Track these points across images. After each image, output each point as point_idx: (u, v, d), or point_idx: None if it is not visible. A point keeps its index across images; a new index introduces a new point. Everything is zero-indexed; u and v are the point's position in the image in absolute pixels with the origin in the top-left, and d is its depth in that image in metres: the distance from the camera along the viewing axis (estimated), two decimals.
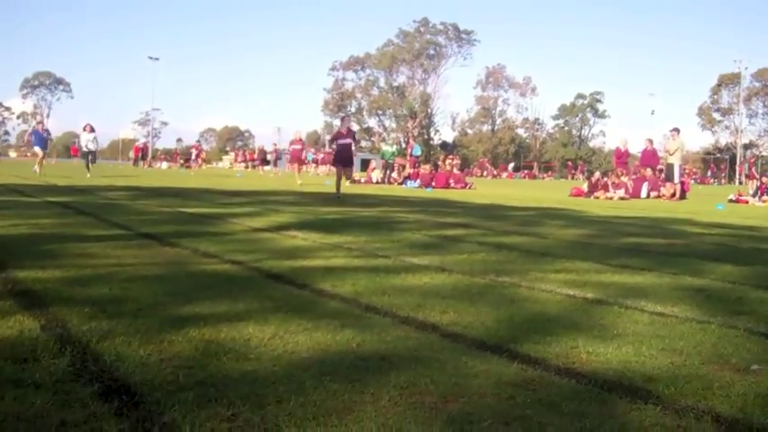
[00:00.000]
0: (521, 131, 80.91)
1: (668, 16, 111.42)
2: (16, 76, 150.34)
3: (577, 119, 78.04)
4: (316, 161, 38.47)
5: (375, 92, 75.06)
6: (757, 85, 69.16)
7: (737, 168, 51.66)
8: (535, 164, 73.82)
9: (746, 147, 67.52)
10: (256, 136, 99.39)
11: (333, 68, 75.89)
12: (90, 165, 20.00)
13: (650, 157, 19.66)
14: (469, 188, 21.06)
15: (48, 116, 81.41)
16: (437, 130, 77.12)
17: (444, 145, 73.83)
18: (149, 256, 4.20)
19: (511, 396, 1.87)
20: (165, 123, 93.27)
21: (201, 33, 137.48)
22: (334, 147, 13.66)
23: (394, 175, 24.69)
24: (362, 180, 24.10)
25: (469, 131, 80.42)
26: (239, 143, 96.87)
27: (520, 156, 74.78)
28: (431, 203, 12.05)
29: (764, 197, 17.00)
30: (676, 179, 17.48)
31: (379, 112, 75.11)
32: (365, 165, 35.75)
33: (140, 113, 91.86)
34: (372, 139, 73.11)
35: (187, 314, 2.65)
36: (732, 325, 2.80)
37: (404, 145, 45.41)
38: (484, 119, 79.56)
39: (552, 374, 2.08)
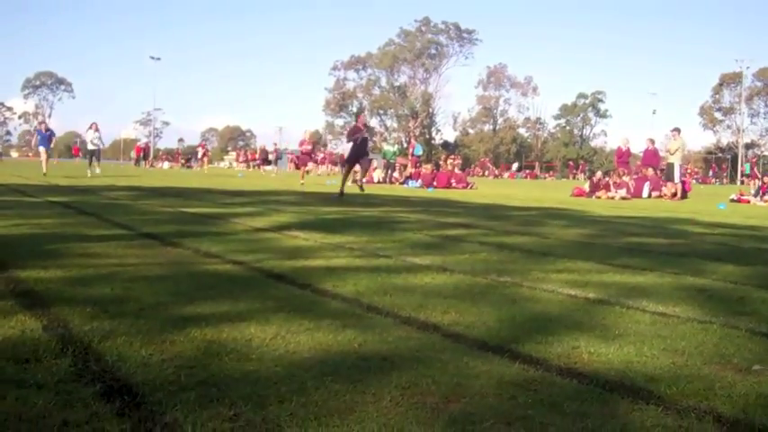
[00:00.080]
0: (522, 131, 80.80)
1: (669, 16, 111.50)
2: (18, 76, 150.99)
3: (579, 118, 77.87)
4: (316, 161, 38.48)
5: (376, 91, 75.07)
6: (759, 84, 68.94)
7: (738, 168, 51.64)
8: (537, 163, 73.71)
9: (748, 146, 67.43)
10: (258, 136, 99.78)
11: (334, 68, 76.01)
12: (93, 162, 20.08)
13: (652, 157, 19.67)
14: (471, 188, 21.03)
15: (49, 116, 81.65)
16: (438, 130, 77.21)
17: (446, 145, 73.81)
18: (151, 256, 4.20)
19: (512, 396, 1.87)
20: (166, 123, 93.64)
21: (203, 33, 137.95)
22: (353, 141, 12.87)
23: (395, 174, 24.70)
24: (364, 180, 24.06)
25: (471, 131, 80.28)
26: (241, 143, 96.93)
27: (521, 155, 74.69)
28: (432, 203, 12.05)
29: (766, 197, 16.98)
30: (676, 179, 17.46)
31: (381, 111, 75.09)
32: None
33: (142, 113, 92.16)
34: (374, 138, 73.09)
35: (189, 314, 2.65)
36: (734, 325, 2.80)
37: (405, 145, 45.38)
38: (485, 118, 79.42)
39: (554, 375, 2.08)
